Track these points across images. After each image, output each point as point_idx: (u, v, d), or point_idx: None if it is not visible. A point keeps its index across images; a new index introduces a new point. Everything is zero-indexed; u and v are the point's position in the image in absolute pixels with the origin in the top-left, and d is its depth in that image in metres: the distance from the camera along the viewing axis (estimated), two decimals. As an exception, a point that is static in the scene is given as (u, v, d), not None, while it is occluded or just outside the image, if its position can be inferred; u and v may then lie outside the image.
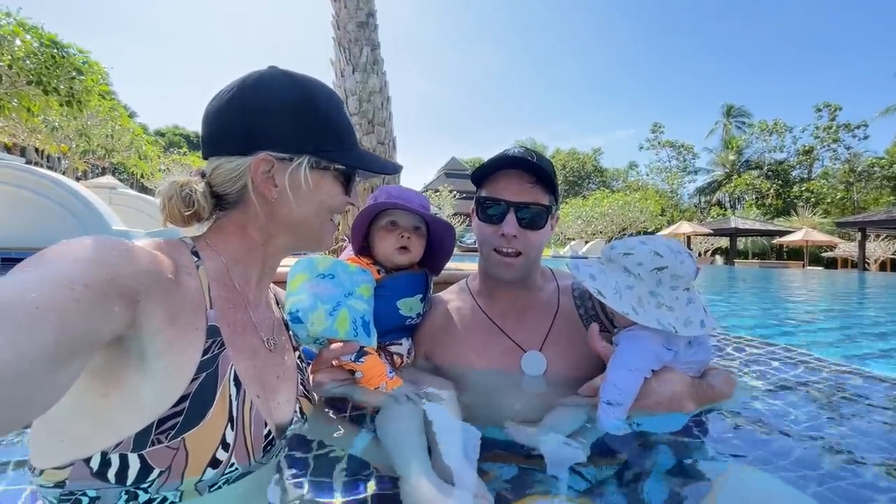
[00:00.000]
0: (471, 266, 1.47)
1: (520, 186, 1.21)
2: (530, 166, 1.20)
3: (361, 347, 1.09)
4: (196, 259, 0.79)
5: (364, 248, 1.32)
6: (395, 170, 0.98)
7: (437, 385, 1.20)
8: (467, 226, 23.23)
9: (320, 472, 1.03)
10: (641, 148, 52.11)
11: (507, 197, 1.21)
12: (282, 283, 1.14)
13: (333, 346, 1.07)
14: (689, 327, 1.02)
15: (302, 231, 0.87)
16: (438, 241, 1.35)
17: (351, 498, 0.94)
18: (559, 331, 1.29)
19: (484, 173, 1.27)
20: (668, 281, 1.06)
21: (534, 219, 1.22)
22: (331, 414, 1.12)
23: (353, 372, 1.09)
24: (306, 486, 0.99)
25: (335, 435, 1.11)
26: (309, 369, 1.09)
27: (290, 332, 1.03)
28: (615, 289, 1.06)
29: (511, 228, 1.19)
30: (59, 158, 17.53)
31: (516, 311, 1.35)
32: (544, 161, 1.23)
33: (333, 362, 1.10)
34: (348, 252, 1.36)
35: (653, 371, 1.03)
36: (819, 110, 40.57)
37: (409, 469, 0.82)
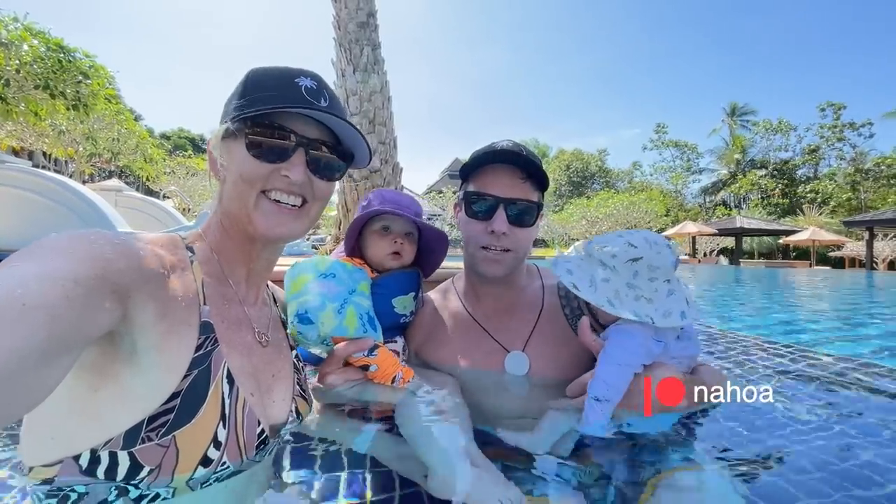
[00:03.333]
0: (460, 264, 1.47)
1: (511, 181, 1.18)
2: (521, 161, 1.16)
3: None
4: (190, 254, 0.78)
5: (354, 249, 1.32)
6: (295, 102, 0.76)
7: (440, 378, 1.21)
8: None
9: (317, 469, 1.03)
10: (645, 148, 51.86)
11: (497, 192, 1.17)
12: (277, 281, 1.13)
13: (346, 343, 1.05)
14: (667, 318, 1.00)
15: (232, 209, 0.80)
16: (430, 247, 1.36)
17: (348, 494, 0.94)
18: (543, 330, 1.28)
19: (472, 167, 1.23)
20: (645, 272, 1.04)
21: (523, 216, 1.19)
22: (331, 410, 1.11)
23: (365, 368, 1.08)
24: (302, 483, 0.99)
25: (336, 430, 1.10)
26: (318, 372, 1.08)
27: (287, 332, 1.01)
28: (590, 281, 1.05)
29: (501, 225, 1.15)
30: (66, 162, 17.68)
31: (500, 311, 1.34)
32: (534, 156, 1.20)
33: (349, 359, 1.08)
34: (338, 252, 1.36)
35: (644, 367, 1.01)
36: (823, 109, 40.21)
37: (451, 458, 0.83)
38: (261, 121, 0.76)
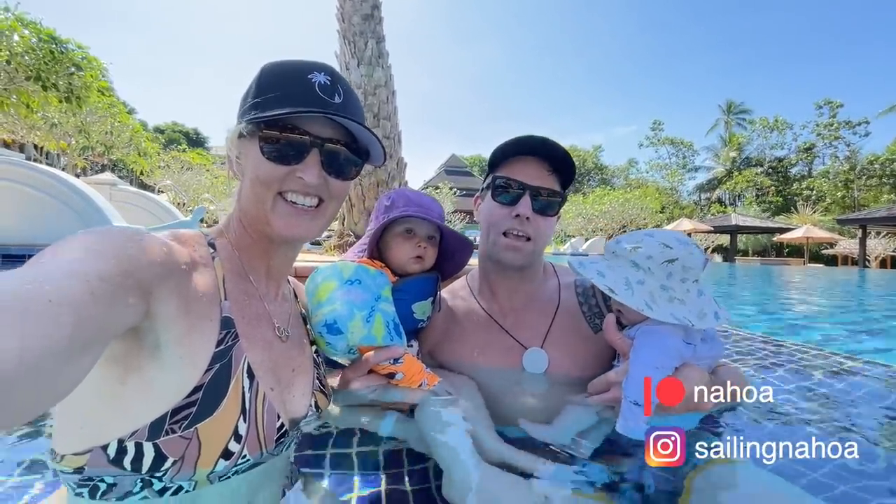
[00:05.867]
0: (476, 262, 1.46)
1: (539, 172, 1.23)
2: (550, 153, 1.22)
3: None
4: (212, 251, 0.79)
5: (374, 251, 1.28)
6: (308, 106, 0.75)
7: (458, 380, 1.20)
8: (468, 223, 23.12)
9: (333, 462, 1.02)
10: (641, 145, 52.08)
11: (525, 180, 1.22)
12: (300, 277, 1.11)
13: (375, 352, 1.03)
14: (703, 320, 0.98)
15: (249, 209, 0.81)
16: (450, 251, 1.34)
17: (363, 487, 0.92)
18: (561, 327, 1.28)
19: (502, 156, 1.27)
20: (679, 273, 1.02)
21: (547, 205, 1.23)
22: (351, 404, 1.10)
23: (391, 375, 1.07)
24: (319, 475, 0.98)
25: (357, 420, 1.10)
26: (340, 375, 1.07)
27: (308, 327, 1.01)
28: (626, 284, 1.03)
29: (526, 210, 1.19)
30: (58, 155, 17.47)
31: (517, 308, 1.34)
32: (564, 151, 1.22)
33: (374, 367, 1.06)
34: (352, 253, 1.33)
35: (675, 369, 0.98)
36: (820, 107, 40.49)
37: (464, 463, 0.86)
38: (274, 123, 0.76)
